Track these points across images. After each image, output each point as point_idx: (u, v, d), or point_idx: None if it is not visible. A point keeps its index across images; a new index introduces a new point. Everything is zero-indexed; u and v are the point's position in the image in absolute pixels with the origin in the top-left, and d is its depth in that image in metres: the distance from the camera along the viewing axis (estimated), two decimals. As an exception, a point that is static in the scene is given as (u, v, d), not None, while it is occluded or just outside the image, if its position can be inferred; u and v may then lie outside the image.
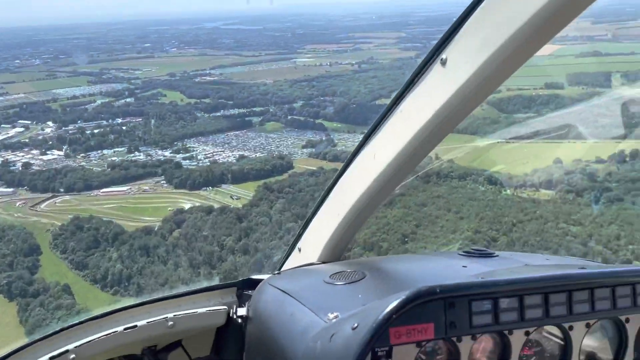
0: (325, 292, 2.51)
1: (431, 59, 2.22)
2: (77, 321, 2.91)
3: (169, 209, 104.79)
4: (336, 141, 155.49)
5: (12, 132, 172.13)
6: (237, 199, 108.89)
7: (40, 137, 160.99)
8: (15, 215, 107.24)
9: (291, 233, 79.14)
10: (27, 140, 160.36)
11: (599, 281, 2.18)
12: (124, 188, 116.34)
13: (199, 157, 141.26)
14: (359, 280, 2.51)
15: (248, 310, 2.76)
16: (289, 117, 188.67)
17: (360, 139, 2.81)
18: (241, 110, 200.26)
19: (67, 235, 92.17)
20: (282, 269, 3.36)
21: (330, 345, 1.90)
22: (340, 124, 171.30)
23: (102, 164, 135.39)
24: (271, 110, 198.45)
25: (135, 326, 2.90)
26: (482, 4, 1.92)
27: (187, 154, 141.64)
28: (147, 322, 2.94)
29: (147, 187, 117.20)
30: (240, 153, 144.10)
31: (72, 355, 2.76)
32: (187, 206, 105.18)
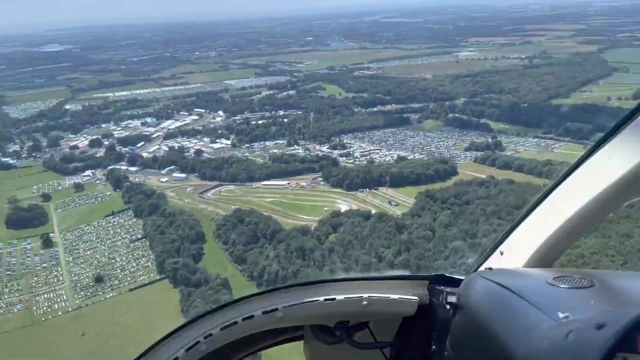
0: (550, 293, 2.30)
1: None
2: (287, 285, 3.06)
3: (325, 209, 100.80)
4: (504, 145, 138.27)
5: (188, 119, 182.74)
6: (396, 205, 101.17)
7: (212, 126, 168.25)
8: (186, 200, 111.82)
9: (458, 254, 68.12)
10: (200, 127, 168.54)
11: None
12: (283, 182, 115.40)
13: (355, 154, 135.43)
14: (587, 287, 2.27)
15: (458, 299, 2.60)
16: (450, 115, 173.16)
17: (591, 146, 2.59)
18: (399, 106, 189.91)
19: (229, 227, 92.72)
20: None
21: (565, 343, 1.78)
22: (509, 125, 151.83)
23: (264, 155, 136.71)
24: (430, 107, 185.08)
25: (334, 299, 2.98)
26: None
27: (344, 151, 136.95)
28: (345, 298, 3.00)
29: (305, 183, 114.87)
30: (399, 153, 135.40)
31: (280, 314, 2.96)
32: (343, 208, 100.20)
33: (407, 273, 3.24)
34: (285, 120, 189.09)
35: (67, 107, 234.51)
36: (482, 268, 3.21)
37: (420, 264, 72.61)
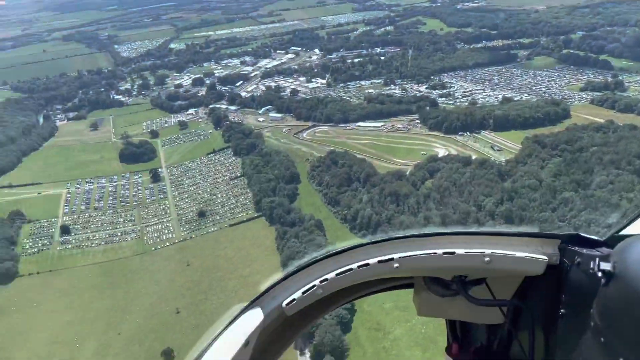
0: None
1: None
2: (403, 235, 2.97)
3: (422, 153, 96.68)
4: (627, 85, 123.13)
5: (284, 58, 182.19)
6: (499, 150, 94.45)
7: (307, 65, 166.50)
8: (282, 140, 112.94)
9: (569, 205, 62.22)
10: (296, 66, 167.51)
11: None
12: (379, 124, 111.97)
13: (456, 94, 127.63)
14: None
15: (614, 266, 2.37)
16: (564, 51, 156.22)
17: None
18: (506, 42, 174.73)
19: (323, 169, 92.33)
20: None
21: None
22: (633, 62, 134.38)
23: (359, 95, 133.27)
24: (542, 42, 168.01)
25: (454, 253, 2.84)
26: None
27: (444, 91, 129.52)
28: (465, 252, 2.85)
29: (400, 125, 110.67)
30: (504, 93, 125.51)
31: (396, 265, 2.86)
32: (441, 152, 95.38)
33: (534, 230, 2.93)
34: (382, 58, 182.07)
35: (172, 45, 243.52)
36: (628, 231, 2.73)
37: (524, 216, 67.87)
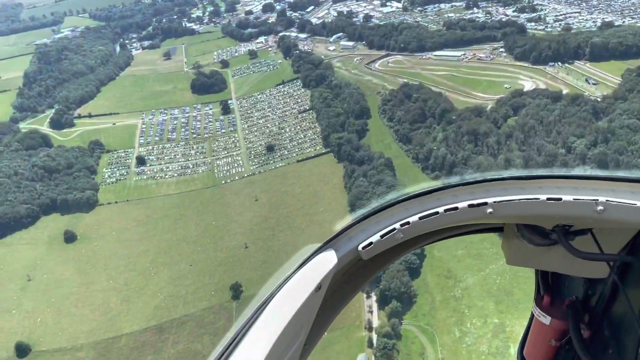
0: None
1: None
2: (498, 176, 2.66)
3: (506, 86, 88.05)
4: None
5: None
6: (595, 84, 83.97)
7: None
8: (352, 71, 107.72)
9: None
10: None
11: None
12: (458, 53, 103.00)
13: (547, 18, 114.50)
14: None
15: None
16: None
17: None
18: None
19: (396, 103, 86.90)
20: None
21: None
22: None
23: (438, 20, 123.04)
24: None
25: (560, 199, 2.53)
26: None
27: (534, 14, 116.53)
28: (574, 199, 2.52)
29: (482, 55, 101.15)
30: (604, 17, 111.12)
31: (489, 210, 2.58)
32: (528, 86, 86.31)
33: None
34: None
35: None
36: None
37: (620, 161, 60.48)
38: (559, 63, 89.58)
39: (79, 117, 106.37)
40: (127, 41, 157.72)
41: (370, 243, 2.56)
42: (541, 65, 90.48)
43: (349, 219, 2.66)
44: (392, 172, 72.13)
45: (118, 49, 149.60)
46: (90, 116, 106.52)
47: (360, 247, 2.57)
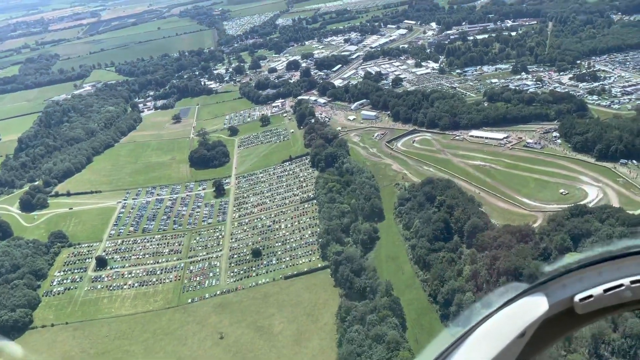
0: None
1: None
2: None
3: (562, 191, 50.27)
4: None
5: (395, 34, 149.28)
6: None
7: (420, 43, 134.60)
8: (370, 150, 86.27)
9: None
10: (406, 45, 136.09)
11: None
12: (500, 135, 74.52)
13: (613, 90, 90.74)
14: None
15: None
16: None
17: None
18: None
19: (414, 205, 60.42)
20: None
21: None
22: None
23: (478, 87, 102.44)
24: None
25: None
26: None
27: (595, 84, 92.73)
28: None
29: (530, 140, 70.71)
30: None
31: None
32: (592, 194, 41.29)
33: None
34: (513, 34, 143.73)
35: (279, 21, 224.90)
36: None
37: None
38: (634, 161, 66.22)
39: (56, 195, 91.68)
40: (141, 99, 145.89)
41: (590, 296, 2.26)
42: (609, 161, 67.24)
43: (562, 262, 2.31)
44: (398, 319, 51.03)
45: (129, 109, 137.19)
46: (68, 194, 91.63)
47: (577, 299, 2.27)
